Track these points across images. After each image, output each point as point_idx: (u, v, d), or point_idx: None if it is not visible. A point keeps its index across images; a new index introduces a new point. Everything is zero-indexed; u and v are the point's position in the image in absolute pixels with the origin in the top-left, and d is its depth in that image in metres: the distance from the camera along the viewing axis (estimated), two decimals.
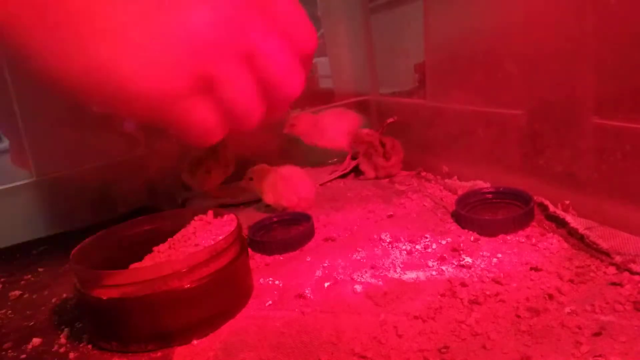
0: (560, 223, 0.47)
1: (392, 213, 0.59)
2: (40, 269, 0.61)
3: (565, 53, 0.47)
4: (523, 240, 0.46)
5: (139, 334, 0.39)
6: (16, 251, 0.67)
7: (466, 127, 0.63)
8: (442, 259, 0.46)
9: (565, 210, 0.49)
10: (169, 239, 0.47)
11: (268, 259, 0.52)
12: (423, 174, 0.72)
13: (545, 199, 0.50)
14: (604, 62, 0.43)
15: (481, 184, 0.59)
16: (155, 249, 0.46)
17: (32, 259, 0.65)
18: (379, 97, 0.88)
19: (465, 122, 0.63)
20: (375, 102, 0.89)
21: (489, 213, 0.52)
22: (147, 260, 0.44)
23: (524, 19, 0.51)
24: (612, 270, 0.39)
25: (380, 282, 0.44)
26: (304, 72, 0.39)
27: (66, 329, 0.44)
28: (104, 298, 0.38)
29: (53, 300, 0.51)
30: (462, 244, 0.47)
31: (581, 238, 0.43)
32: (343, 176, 0.79)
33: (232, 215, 0.48)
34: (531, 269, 0.41)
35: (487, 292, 0.39)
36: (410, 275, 0.44)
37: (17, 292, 0.54)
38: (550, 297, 0.37)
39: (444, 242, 0.49)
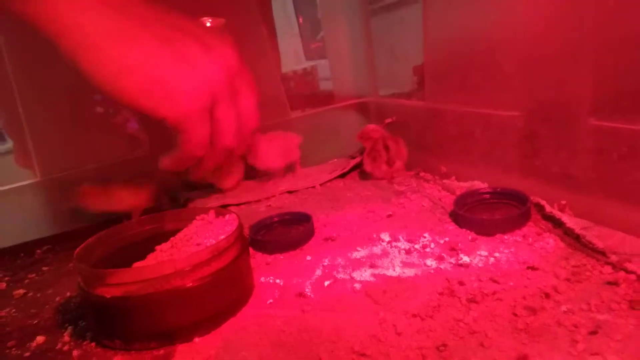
0: (557, 223, 0.47)
1: (391, 213, 0.60)
2: (44, 268, 0.61)
3: (562, 55, 0.47)
4: (520, 239, 0.47)
5: (141, 332, 0.40)
6: (20, 250, 0.67)
7: (464, 129, 0.64)
8: (440, 258, 0.46)
9: (562, 210, 0.49)
10: (171, 238, 0.47)
11: (269, 258, 0.53)
12: (422, 174, 0.73)
13: (542, 199, 0.51)
14: (601, 64, 0.44)
15: (479, 185, 0.59)
16: (157, 248, 0.46)
17: (36, 258, 0.65)
18: (379, 99, 0.89)
19: (463, 124, 0.64)
20: (375, 104, 0.89)
21: (487, 213, 0.53)
22: (150, 259, 0.44)
23: (522, 21, 0.52)
24: (607, 269, 0.39)
25: (380, 281, 0.44)
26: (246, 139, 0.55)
27: (70, 327, 0.45)
28: (108, 296, 0.39)
29: (57, 298, 0.52)
30: (460, 244, 0.48)
31: (577, 238, 0.44)
32: (343, 175, 0.79)
33: (233, 215, 0.48)
34: (528, 268, 0.42)
35: (485, 291, 0.39)
36: (409, 274, 0.45)
37: (22, 291, 0.55)
38: (547, 295, 0.37)
39: (442, 241, 0.50)
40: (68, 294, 0.52)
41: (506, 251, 0.45)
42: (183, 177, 0.59)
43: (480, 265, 0.44)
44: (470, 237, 0.49)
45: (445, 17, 0.64)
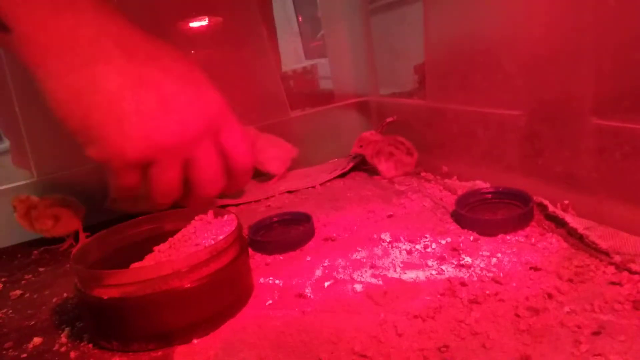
0: (560, 223, 0.47)
1: (392, 213, 0.59)
2: (41, 269, 0.61)
3: (564, 54, 0.47)
4: (522, 240, 0.46)
5: (139, 333, 0.39)
6: (17, 251, 0.67)
7: (466, 128, 0.63)
8: (441, 259, 0.46)
9: (565, 210, 0.49)
10: (169, 239, 0.47)
11: (268, 258, 0.52)
12: (423, 174, 0.72)
13: (544, 199, 0.50)
14: (603, 62, 0.44)
15: (481, 184, 0.59)
16: (155, 248, 0.46)
17: (33, 259, 0.65)
18: (379, 98, 0.88)
19: (465, 123, 0.64)
20: (375, 103, 0.89)
21: (489, 213, 0.52)
22: (148, 260, 0.44)
23: (523, 20, 0.51)
24: (611, 269, 0.39)
25: (380, 282, 0.44)
26: (238, 180, 0.54)
27: (67, 329, 0.44)
28: (105, 297, 0.38)
29: (54, 299, 0.51)
30: (461, 244, 0.47)
31: (580, 238, 0.43)
32: (343, 175, 0.79)
33: (232, 215, 0.48)
34: (530, 268, 0.41)
35: (487, 292, 0.39)
36: (410, 274, 0.44)
37: (18, 292, 0.54)
38: (550, 296, 0.37)
39: (443, 242, 0.49)
40: (65, 295, 0.52)
41: (508, 251, 0.45)
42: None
43: (482, 265, 0.43)
44: (472, 238, 0.49)
45: (447, 16, 0.64)
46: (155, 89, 0.49)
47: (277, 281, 0.47)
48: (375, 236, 0.53)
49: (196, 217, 0.50)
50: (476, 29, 0.58)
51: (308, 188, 0.76)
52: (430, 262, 0.46)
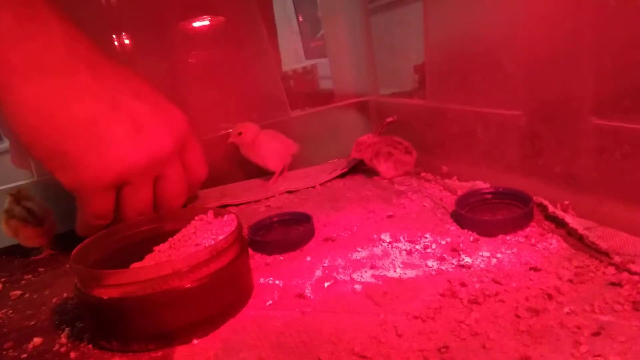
0: (560, 223, 0.47)
1: (392, 213, 0.59)
2: (40, 269, 0.61)
3: (564, 54, 0.47)
4: (522, 240, 0.46)
5: (139, 333, 0.39)
6: (17, 251, 0.67)
7: (466, 128, 0.63)
8: (441, 259, 0.46)
9: (565, 210, 0.49)
10: (169, 239, 0.47)
11: (268, 258, 0.52)
12: (423, 174, 0.72)
13: (544, 199, 0.50)
14: (603, 62, 0.43)
15: (481, 185, 0.59)
16: (155, 248, 0.46)
17: (32, 259, 0.65)
18: (379, 98, 0.88)
19: (464, 123, 0.64)
20: (375, 103, 0.89)
21: (489, 213, 0.52)
22: (148, 260, 0.44)
23: (523, 20, 0.51)
24: (611, 270, 0.39)
25: (380, 282, 0.44)
26: (194, 190, 0.63)
27: (67, 329, 0.44)
28: (105, 297, 0.38)
29: (54, 299, 0.51)
30: (461, 244, 0.47)
31: (580, 238, 0.43)
32: (343, 175, 0.79)
33: (232, 215, 0.48)
34: (530, 269, 0.41)
35: (487, 292, 0.39)
36: (410, 275, 0.44)
37: (18, 292, 0.54)
38: (550, 297, 0.37)
39: (443, 242, 0.49)
40: (65, 295, 0.52)
41: (508, 252, 0.45)
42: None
43: (482, 266, 0.43)
44: (472, 238, 0.49)
45: (447, 16, 0.63)
46: (128, 111, 0.50)
47: (277, 281, 0.47)
48: (375, 236, 0.53)
49: (196, 217, 0.50)
50: (476, 29, 0.58)
51: (308, 188, 0.76)
52: (430, 263, 0.46)
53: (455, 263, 0.45)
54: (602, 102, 0.44)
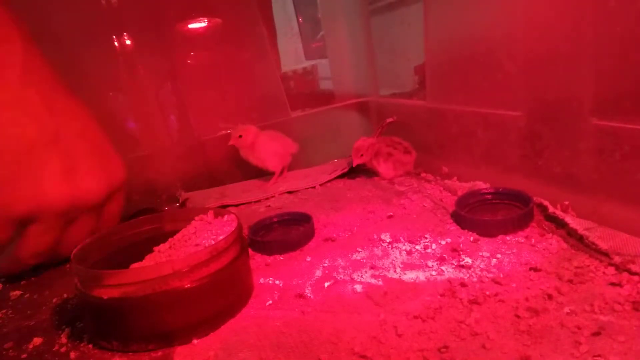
0: (560, 223, 0.47)
1: (392, 213, 0.59)
2: (41, 269, 0.61)
3: (564, 54, 0.47)
4: (522, 240, 0.46)
5: (139, 333, 0.39)
6: None
7: (466, 128, 0.64)
8: (441, 259, 0.46)
9: (565, 210, 0.49)
10: (169, 239, 0.47)
11: (268, 258, 0.52)
12: (423, 174, 0.72)
13: (544, 200, 0.50)
14: (603, 63, 0.44)
15: (481, 185, 0.59)
16: (156, 248, 0.46)
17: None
18: (379, 99, 0.88)
19: (465, 123, 0.64)
20: (375, 104, 0.89)
21: (489, 214, 0.52)
22: (148, 260, 0.44)
23: (523, 21, 0.51)
24: (611, 270, 0.39)
25: (380, 282, 0.44)
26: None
27: (67, 329, 0.44)
28: (105, 297, 0.38)
29: (54, 300, 0.51)
30: (461, 245, 0.47)
31: (580, 239, 0.43)
32: (342, 176, 0.79)
33: (232, 216, 0.48)
34: (530, 269, 0.41)
35: (487, 292, 0.39)
36: (410, 275, 0.44)
37: (18, 292, 0.54)
38: (550, 297, 0.37)
39: (443, 242, 0.49)
40: (65, 295, 0.52)
41: (508, 252, 0.45)
42: None
43: (482, 266, 0.43)
44: (472, 238, 0.49)
45: (447, 17, 0.64)
46: (67, 149, 0.49)
47: (277, 281, 0.47)
48: (375, 237, 0.53)
49: (196, 218, 0.50)
50: (476, 29, 0.58)
51: (308, 188, 0.76)
52: (430, 263, 0.46)
53: (456, 263, 0.45)
54: (602, 103, 0.44)
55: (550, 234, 0.46)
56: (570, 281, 0.38)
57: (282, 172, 0.81)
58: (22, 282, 0.57)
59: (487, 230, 0.49)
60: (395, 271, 0.45)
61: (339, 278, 0.46)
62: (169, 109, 0.82)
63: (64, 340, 0.43)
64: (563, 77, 0.48)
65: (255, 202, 0.74)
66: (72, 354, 0.40)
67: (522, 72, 0.53)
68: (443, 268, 0.44)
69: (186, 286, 0.39)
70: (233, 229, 0.44)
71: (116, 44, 0.76)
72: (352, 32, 0.88)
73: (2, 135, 0.46)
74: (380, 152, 0.73)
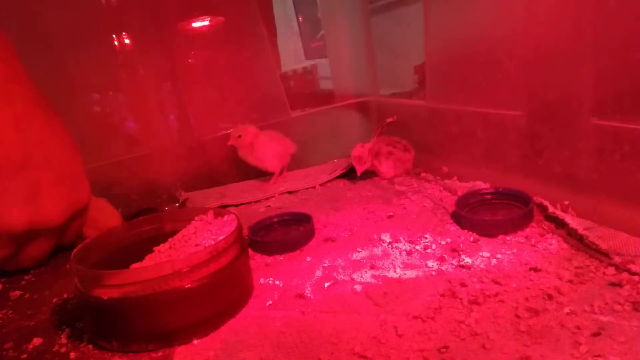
0: (560, 223, 0.47)
1: (392, 213, 0.59)
2: (41, 269, 0.61)
3: (564, 54, 0.47)
4: (522, 240, 0.46)
5: (139, 333, 0.39)
6: None
7: (466, 128, 0.63)
8: (441, 259, 0.46)
9: (565, 210, 0.49)
10: (169, 239, 0.47)
11: (268, 259, 0.52)
12: (423, 174, 0.72)
13: (544, 200, 0.50)
14: (603, 63, 0.44)
15: (481, 185, 0.59)
16: (156, 248, 0.46)
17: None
18: (379, 98, 0.88)
19: (464, 123, 0.64)
20: (375, 103, 0.89)
21: (489, 214, 0.52)
22: (148, 260, 0.44)
23: (523, 21, 0.51)
24: (611, 270, 0.39)
25: (380, 282, 0.44)
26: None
27: (67, 329, 0.44)
28: (105, 298, 0.38)
29: (54, 300, 0.51)
30: (461, 245, 0.47)
31: (580, 239, 0.43)
32: (343, 175, 0.79)
33: (232, 216, 0.48)
34: (530, 269, 0.41)
35: (487, 293, 0.39)
36: (410, 275, 0.44)
37: (18, 292, 0.54)
38: (550, 297, 0.37)
39: (443, 242, 0.49)
40: (65, 295, 0.52)
41: (508, 252, 0.45)
42: None
43: (482, 266, 0.43)
44: (472, 238, 0.49)
45: (447, 16, 0.63)
46: (33, 177, 0.50)
47: (277, 282, 0.47)
48: (375, 237, 0.53)
49: (196, 218, 0.50)
50: (476, 29, 0.58)
51: (308, 188, 0.76)
52: (430, 263, 0.46)
53: (455, 263, 0.45)
54: (601, 103, 0.44)
55: (550, 234, 0.46)
56: (570, 281, 0.38)
57: (281, 172, 0.81)
58: (22, 282, 0.57)
59: (487, 230, 0.49)
60: (395, 271, 0.45)
61: (339, 278, 0.46)
62: (169, 108, 0.82)
63: (64, 340, 0.43)
64: (563, 77, 0.48)
65: (255, 202, 0.74)
66: (72, 354, 0.40)
67: (522, 72, 0.53)
68: (443, 268, 0.44)
69: (186, 286, 0.39)
70: (233, 229, 0.44)
71: (116, 43, 0.76)
72: (352, 32, 0.88)
73: None
74: (381, 151, 0.73)
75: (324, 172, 0.81)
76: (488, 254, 0.45)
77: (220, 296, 0.41)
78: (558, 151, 0.50)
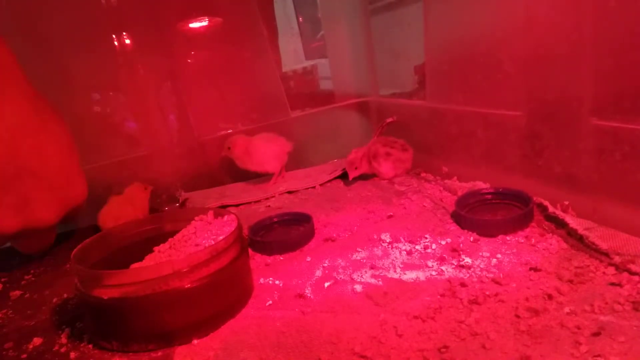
0: (560, 223, 0.47)
1: (392, 213, 0.59)
2: (41, 269, 0.61)
3: (564, 55, 0.47)
4: (522, 240, 0.46)
5: (139, 333, 0.39)
6: (17, 251, 0.67)
7: (466, 128, 0.63)
8: (441, 259, 0.46)
9: (565, 210, 0.49)
10: (169, 239, 0.47)
11: (268, 259, 0.52)
12: (423, 174, 0.72)
13: (544, 200, 0.50)
14: (603, 63, 0.44)
15: (481, 185, 0.59)
16: (156, 248, 0.46)
17: (33, 259, 0.65)
18: (379, 99, 0.88)
19: (464, 123, 0.64)
20: (375, 104, 0.89)
21: (489, 214, 0.52)
22: (148, 260, 0.44)
23: (523, 21, 0.51)
24: (611, 270, 0.39)
25: (380, 282, 0.44)
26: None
27: (67, 329, 0.44)
28: (105, 298, 0.38)
29: (54, 300, 0.51)
30: (461, 245, 0.47)
31: (580, 238, 0.43)
32: (342, 176, 0.79)
33: (232, 216, 0.48)
34: (530, 269, 0.41)
35: (487, 292, 0.39)
36: (410, 275, 0.44)
37: (18, 292, 0.54)
38: (550, 297, 0.37)
39: (443, 242, 0.49)
40: (65, 295, 0.52)
41: (508, 252, 0.45)
42: None
43: (482, 266, 0.43)
44: (472, 238, 0.49)
45: (447, 17, 0.63)
46: (26, 185, 0.50)
47: (277, 281, 0.47)
48: (375, 237, 0.53)
49: (196, 218, 0.50)
50: (476, 30, 0.58)
51: (308, 188, 0.76)
52: (430, 263, 0.46)
53: (455, 263, 0.45)
54: (601, 103, 0.44)
55: (550, 234, 0.46)
56: (570, 281, 0.38)
57: (281, 172, 0.81)
58: (22, 282, 0.57)
59: (487, 230, 0.49)
60: (395, 271, 0.45)
61: (339, 278, 0.46)
62: (169, 108, 0.82)
63: (64, 340, 0.43)
64: (563, 77, 0.48)
65: (255, 202, 0.74)
66: (72, 354, 0.40)
67: (522, 72, 0.53)
68: (443, 268, 0.44)
69: (186, 286, 0.39)
70: (233, 229, 0.44)
71: (116, 43, 0.76)
72: (352, 32, 0.88)
73: None
74: (379, 152, 0.73)
75: (324, 172, 0.81)
76: (488, 254, 0.45)
77: (220, 296, 0.41)
78: (558, 151, 0.50)
